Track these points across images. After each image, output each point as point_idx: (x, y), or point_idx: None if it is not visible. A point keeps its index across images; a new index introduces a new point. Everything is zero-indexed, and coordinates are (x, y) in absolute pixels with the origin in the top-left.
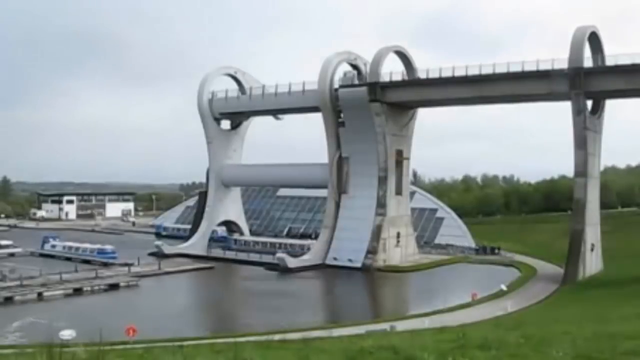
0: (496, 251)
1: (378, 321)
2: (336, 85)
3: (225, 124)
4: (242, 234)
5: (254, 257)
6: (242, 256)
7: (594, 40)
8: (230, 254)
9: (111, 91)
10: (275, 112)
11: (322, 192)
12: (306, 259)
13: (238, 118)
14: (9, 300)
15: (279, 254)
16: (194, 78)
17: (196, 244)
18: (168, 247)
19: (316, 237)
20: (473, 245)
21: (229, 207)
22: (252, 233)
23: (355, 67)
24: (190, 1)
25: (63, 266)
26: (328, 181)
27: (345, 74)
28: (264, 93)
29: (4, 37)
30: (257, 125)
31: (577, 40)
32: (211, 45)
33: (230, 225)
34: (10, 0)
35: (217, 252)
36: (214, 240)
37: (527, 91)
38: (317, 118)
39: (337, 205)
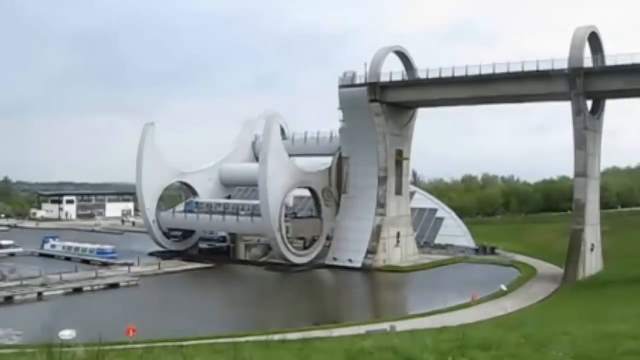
0: (496, 251)
1: (378, 321)
2: (288, 216)
3: None
4: (195, 194)
5: (254, 256)
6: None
7: (594, 40)
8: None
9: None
10: (305, 156)
11: None
12: (305, 255)
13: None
14: (9, 300)
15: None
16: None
17: None
18: None
19: (328, 238)
20: (473, 245)
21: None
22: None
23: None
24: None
25: (63, 266)
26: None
27: (345, 74)
28: (294, 139)
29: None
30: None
31: (577, 41)
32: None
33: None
34: None
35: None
36: (203, 239)
37: (527, 91)
38: (318, 117)
39: (337, 206)
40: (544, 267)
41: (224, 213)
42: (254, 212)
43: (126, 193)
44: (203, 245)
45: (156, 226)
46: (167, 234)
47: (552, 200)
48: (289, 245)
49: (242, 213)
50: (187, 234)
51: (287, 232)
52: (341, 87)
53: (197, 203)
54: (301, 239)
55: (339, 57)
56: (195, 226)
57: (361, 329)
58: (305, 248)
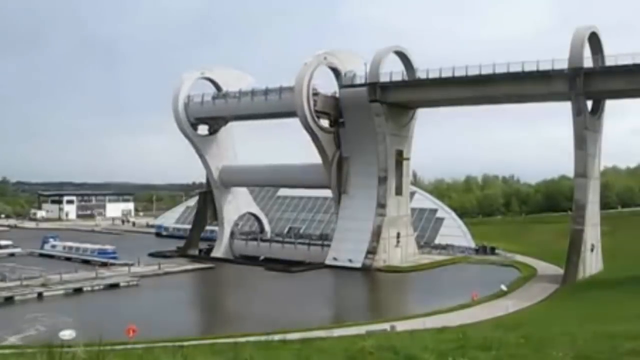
0: (496, 251)
1: (378, 321)
2: (314, 90)
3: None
4: (263, 228)
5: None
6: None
7: (594, 40)
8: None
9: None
10: (252, 118)
11: (322, 192)
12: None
13: (215, 123)
14: (9, 300)
15: None
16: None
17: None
18: None
19: (325, 238)
20: (473, 245)
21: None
22: (251, 233)
23: (334, 69)
24: None
25: (63, 266)
26: (328, 181)
27: (345, 74)
28: (240, 97)
29: None
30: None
31: (577, 41)
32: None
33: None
34: None
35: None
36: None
37: (527, 91)
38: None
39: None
40: (544, 267)
41: (252, 94)
42: (282, 92)
43: (126, 193)
44: (203, 246)
45: (183, 110)
46: (194, 125)
47: (553, 200)
48: (316, 119)
49: (270, 94)
50: (216, 125)
51: (315, 104)
52: (341, 87)
53: (224, 94)
54: (326, 114)
55: None
56: (224, 111)
57: (361, 329)
58: (331, 125)
